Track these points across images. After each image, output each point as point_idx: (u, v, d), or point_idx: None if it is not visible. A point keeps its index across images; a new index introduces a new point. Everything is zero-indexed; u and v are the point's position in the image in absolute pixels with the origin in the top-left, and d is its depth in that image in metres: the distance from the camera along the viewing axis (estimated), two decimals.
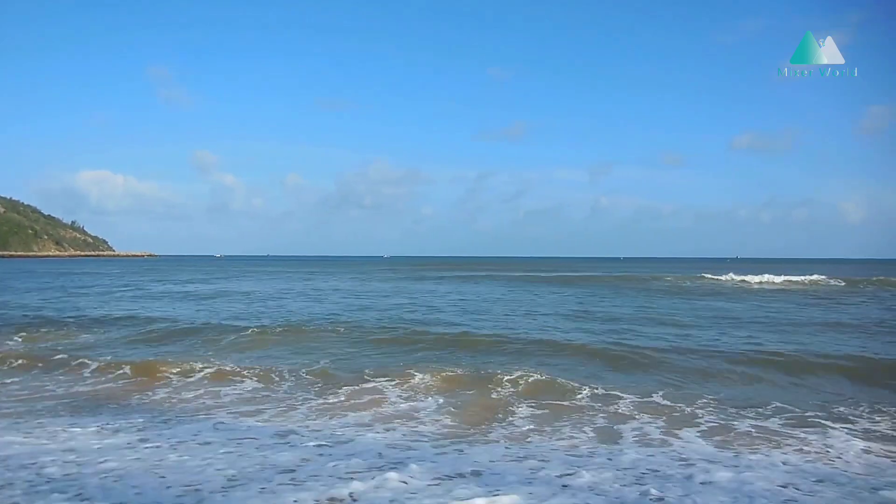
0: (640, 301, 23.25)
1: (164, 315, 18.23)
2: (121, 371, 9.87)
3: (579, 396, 8.09)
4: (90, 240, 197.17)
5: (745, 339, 13.25)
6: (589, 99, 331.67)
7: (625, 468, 5.24)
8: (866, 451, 5.82)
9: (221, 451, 5.66)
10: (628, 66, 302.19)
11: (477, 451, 5.80)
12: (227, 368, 10.07)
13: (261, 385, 8.99)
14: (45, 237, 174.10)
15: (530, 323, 16.24)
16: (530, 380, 8.86)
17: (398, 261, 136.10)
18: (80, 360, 10.53)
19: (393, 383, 8.87)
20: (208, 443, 5.97)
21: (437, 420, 7.09)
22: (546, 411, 7.44)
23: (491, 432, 6.56)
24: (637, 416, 7.19)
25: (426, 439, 6.21)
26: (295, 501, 4.32)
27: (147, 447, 5.78)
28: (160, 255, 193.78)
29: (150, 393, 8.61)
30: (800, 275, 35.91)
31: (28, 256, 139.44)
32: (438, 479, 4.86)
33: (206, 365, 10.19)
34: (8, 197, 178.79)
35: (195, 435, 6.28)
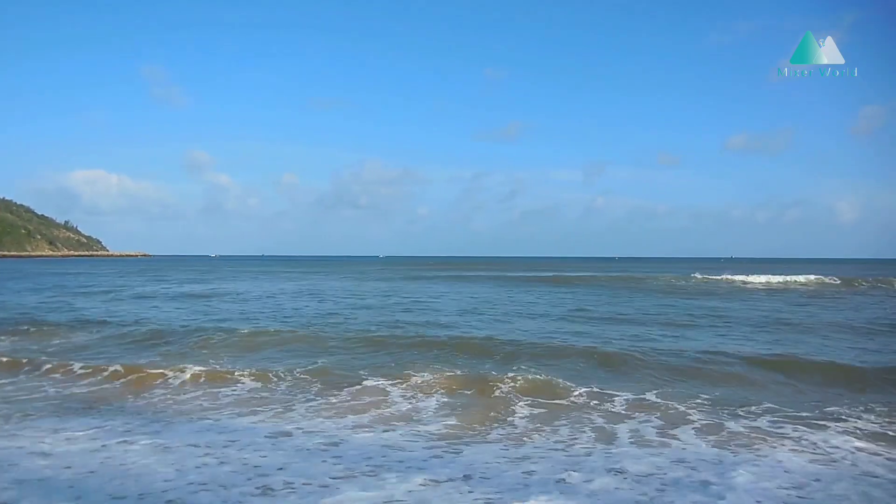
0: (636, 301, 23.31)
1: (158, 316, 18.16)
2: (112, 373, 9.75)
3: (576, 397, 8.09)
4: (84, 240, 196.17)
5: (739, 339, 13.30)
6: (584, 99, 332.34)
7: (622, 470, 5.25)
8: (860, 451, 5.85)
9: (202, 454, 5.59)
10: (623, 66, 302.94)
11: (473, 452, 5.79)
12: (222, 370, 10.03)
13: (256, 386, 8.95)
14: (39, 237, 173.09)
15: (526, 323, 16.25)
16: (527, 381, 8.85)
17: (393, 261, 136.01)
18: (70, 363, 10.39)
19: (389, 384, 8.85)
20: (194, 445, 5.89)
21: (434, 421, 7.07)
22: (543, 412, 7.44)
23: (488, 433, 6.55)
24: (633, 416, 7.20)
25: (422, 440, 6.20)
26: None
27: (122, 450, 5.69)
28: (154, 255, 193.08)
29: (141, 395, 8.56)
30: (794, 275, 36.07)
31: (21, 256, 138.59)
32: (430, 482, 4.84)
33: (200, 367, 10.14)
34: (1, 197, 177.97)
35: (182, 437, 6.21)
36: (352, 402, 7.98)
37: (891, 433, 6.54)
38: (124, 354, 11.73)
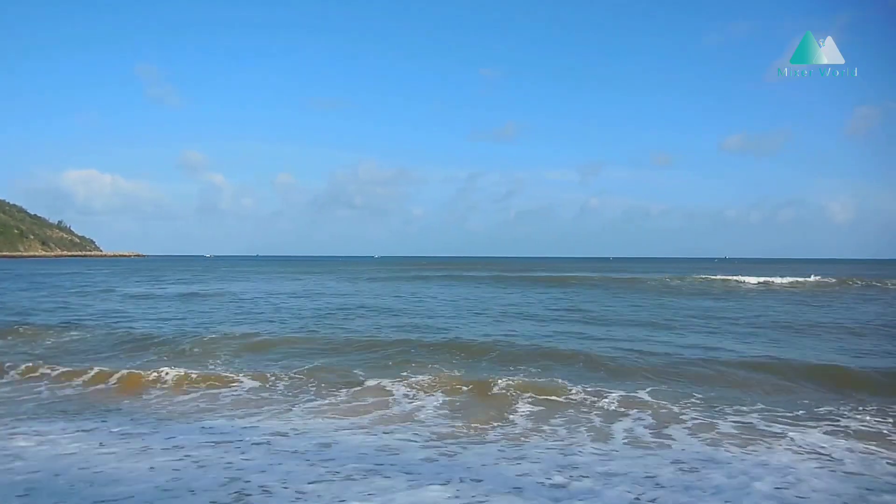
0: (631, 302, 23.39)
1: (151, 317, 18.08)
2: (104, 375, 9.63)
3: (573, 397, 8.10)
4: (77, 240, 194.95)
5: (733, 339, 13.36)
6: (580, 99, 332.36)
7: (617, 471, 5.27)
8: (852, 450, 5.88)
9: (182, 456, 5.51)
10: (619, 66, 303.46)
11: (469, 454, 5.79)
12: (216, 371, 10.00)
13: (253, 387, 8.91)
14: (31, 237, 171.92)
15: (522, 324, 16.28)
16: (523, 382, 8.86)
17: (389, 261, 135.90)
18: (59, 365, 10.28)
19: (386, 386, 8.83)
20: (177, 447, 5.82)
21: (430, 423, 7.07)
22: (539, 413, 7.45)
23: (485, 435, 6.54)
24: (628, 416, 7.22)
25: (417, 442, 6.20)
26: None
27: (97, 453, 5.60)
28: (148, 256, 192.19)
29: (133, 398, 8.51)
30: (788, 275, 36.26)
31: (14, 257, 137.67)
32: (419, 487, 4.81)
33: (193, 368, 10.11)
34: None
35: (168, 440, 6.13)
36: (348, 404, 7.97)
37: (884, 432, 6.59)
38: (117, 356, 11.68)
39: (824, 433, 6.54)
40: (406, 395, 8.35)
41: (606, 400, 7.94)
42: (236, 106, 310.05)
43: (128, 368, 10.05)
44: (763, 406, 7.74)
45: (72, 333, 14.19)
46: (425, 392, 8.52)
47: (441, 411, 7.59)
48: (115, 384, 9.19)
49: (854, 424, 6.90)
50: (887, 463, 5.55)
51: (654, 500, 4.57)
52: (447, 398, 8.23)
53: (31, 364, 10.25)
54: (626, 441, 6.33)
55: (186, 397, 8.44)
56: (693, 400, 8.05)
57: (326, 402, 8.08)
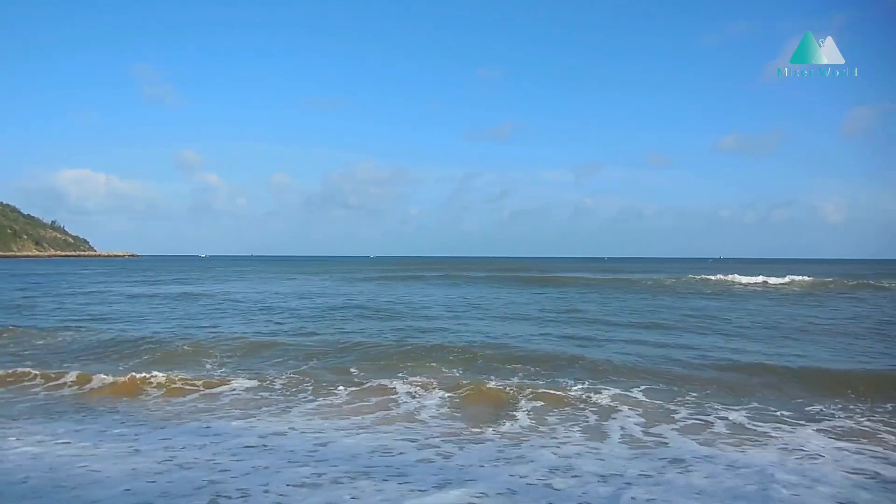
0: (625, 302, 23.44)
1: (146, 317, 18.01)
2: (97, 378, 9.58)
3: (569, 397, 8.12)
4: (71, 240, 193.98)
5: (728, 340, 13.42)
6: (576, 99, 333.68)
7: (613, 472, 5.28)
8: (843, 450, 5.93)
9: (166, 458, 5.46)
10: (616, 67, 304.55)
11: (464, 455, 5.80)
12: (211, 373, 9.98)
13: (251, 387, 8.89)
14: (25, 237, 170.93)
15: (518, 325, 16.31)
16: (520, 382, 8.89)
17: (384, 261, 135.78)
18: (51, 367, 10.25)
19: (383, 386, 8.83)
20: (165, 449, 5.78)
21: (426, 424, 7.08)
22: (535, 414, 7.46)
23: (480, 436, 6.54)
24: (623, 416, 7.25)
25: (412, 444, 6.20)
26: None
27: (80, 455, 5.54)
28: (142, 256, 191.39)
29: (127, 399, 8.48)
30: (783, 275, 36.42)
31: (7, 257, 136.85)
32: (407, 492, 4.79)
33: (188, 370, 10.09)
34: None
35: (157, 441, 6.09)
36: (345, 405, 7.97)
37: (874, 431, 6.64)
38: (111, 357, 11.64)
39: (817, 433, 6.59)
40: (403, 396, 8.35)
41: (602, 399, 7.98)
42: (235, 106, 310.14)
43: (122, 370, 10.02)
44: (756, 405, 7.81)
45: (64, 334, 14.11)
46: (422, 393, 8.52)
47: (438, 411, 7.60)
48: (108, 386, 9.11)
49: (845, 424, 6.95)
50: (877, 461, 5.60)
51: (651, 500, 4.59)
52: (444, 399, 8.23)
53: (21, 369, 10.13)
54: (621, 440, 6.36)
55: (182, 399, 8.42)
56: (687, 399, 8.12)
57: (324, 402, 8.07)
